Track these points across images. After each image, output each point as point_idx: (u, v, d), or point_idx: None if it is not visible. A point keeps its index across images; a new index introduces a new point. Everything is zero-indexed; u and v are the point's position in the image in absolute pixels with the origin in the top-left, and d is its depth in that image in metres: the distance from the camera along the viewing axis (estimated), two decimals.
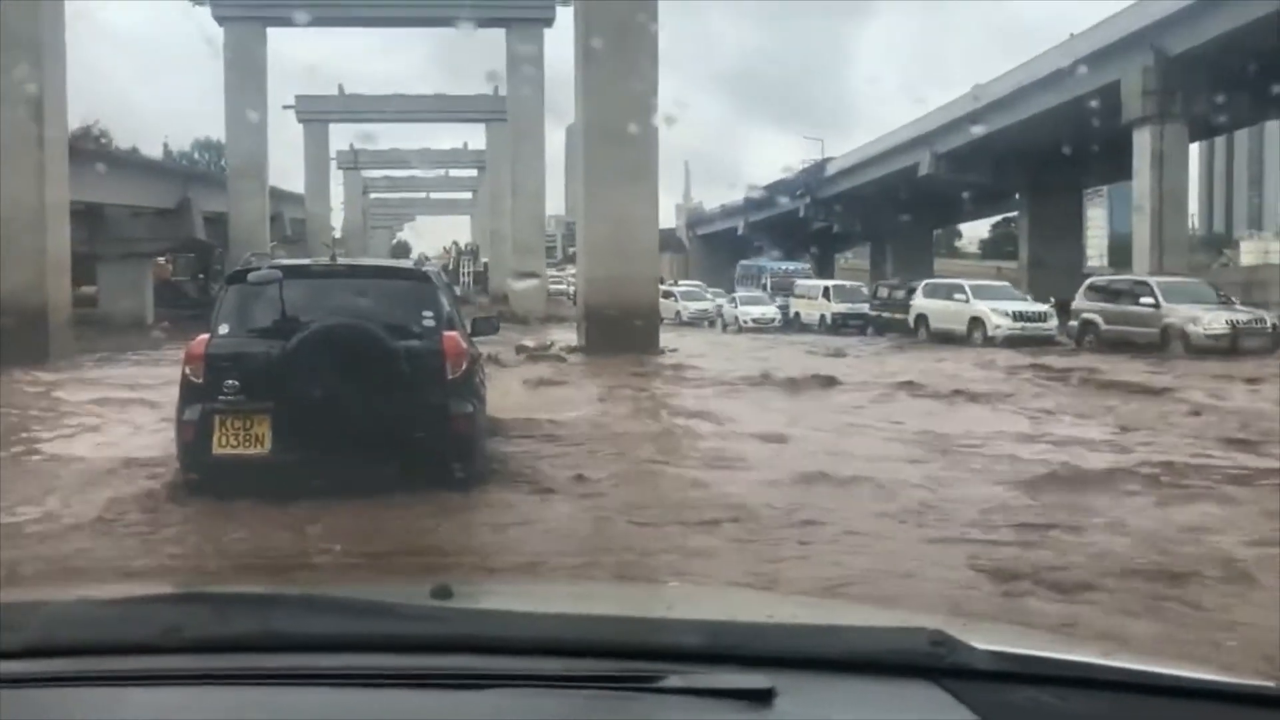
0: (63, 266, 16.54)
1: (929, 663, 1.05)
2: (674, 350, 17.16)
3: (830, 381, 12.31)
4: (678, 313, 30.78)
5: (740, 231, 51.12)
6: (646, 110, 16.93)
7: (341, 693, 1.03)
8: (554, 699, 1.02)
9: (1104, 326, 19.11)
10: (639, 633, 1.19)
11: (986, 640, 1.12)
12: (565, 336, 19.46)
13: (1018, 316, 20.84)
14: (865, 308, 27.70)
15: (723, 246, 52.92)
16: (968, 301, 21.78)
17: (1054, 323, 21.03)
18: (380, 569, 4.47)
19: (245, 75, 31.54)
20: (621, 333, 16.12)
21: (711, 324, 30.74)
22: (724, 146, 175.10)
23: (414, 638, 1.13)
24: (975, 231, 73.48)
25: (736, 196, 53.78)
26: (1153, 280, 19.52)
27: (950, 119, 33.02)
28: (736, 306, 30.59)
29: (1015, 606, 3.87)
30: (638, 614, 1.42)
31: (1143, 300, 18.50)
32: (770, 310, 30.12)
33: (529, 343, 17.26)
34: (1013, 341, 19.48)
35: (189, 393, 5.62)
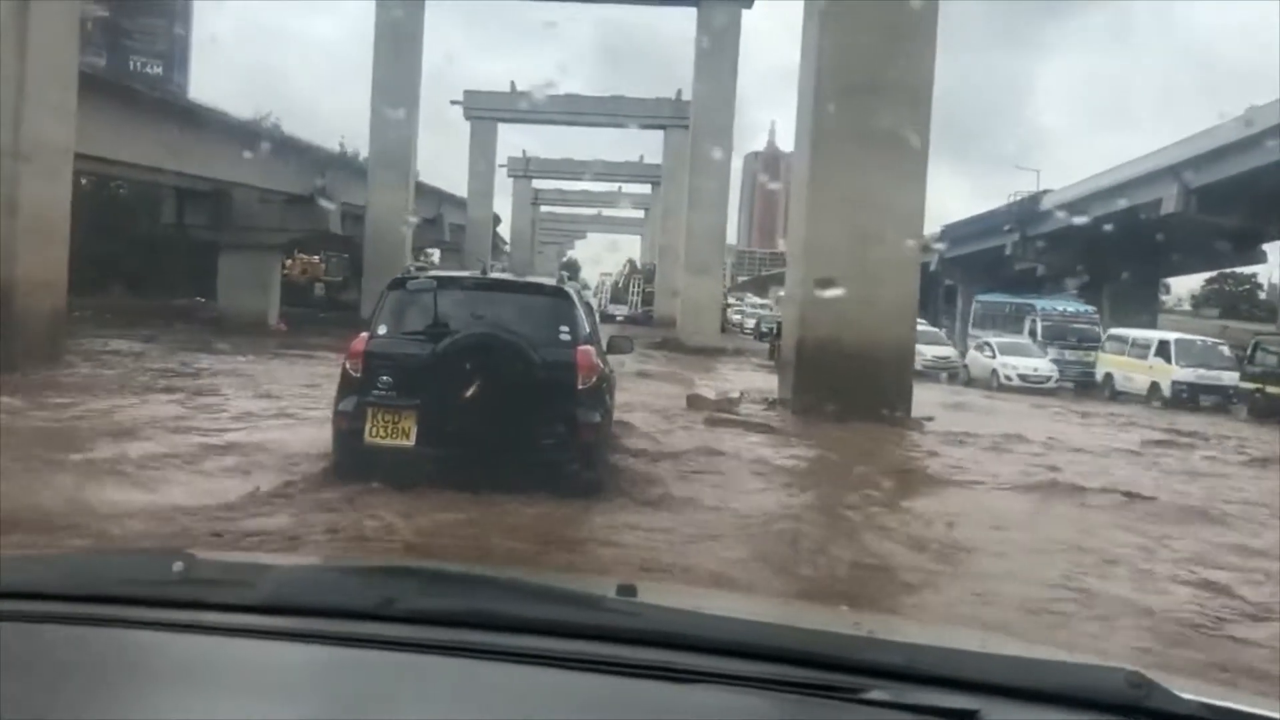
0: (50, 232, 11.99)
1: (1129, 702, 1.03)
2: (930, 419, 11.09)
3: None
4: None
5: (934, 268, 45.23)
6: (918, 45, 11.04)
7: (544, 673, 1.07)
8: (762, 700, 1.04)
9: None
10: (839, 646, 1.19)
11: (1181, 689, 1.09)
12: (748, 380, 13.89)
13: None
14: (1233, 376, 21.17)
15: None
16: None
17: None
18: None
19: (397, 50, 27.75)
20: (852, 383, 10.68)
21: (953, 376, 23.90)
22: None
23: (612, 629, 1.14)
24: (1182, 285, 63.00)
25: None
26: None
27: (1210, 148, 27.24)
28: (995, 356, 24.03)
29: None
30: (833, 630, 1.39)
31: None
32: (1044, 365, 23.87)
33: (706, 392, 11.67)
34: None
35: (347, 385, 6.41)
